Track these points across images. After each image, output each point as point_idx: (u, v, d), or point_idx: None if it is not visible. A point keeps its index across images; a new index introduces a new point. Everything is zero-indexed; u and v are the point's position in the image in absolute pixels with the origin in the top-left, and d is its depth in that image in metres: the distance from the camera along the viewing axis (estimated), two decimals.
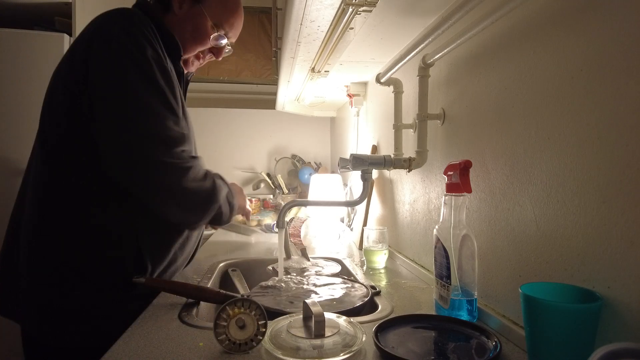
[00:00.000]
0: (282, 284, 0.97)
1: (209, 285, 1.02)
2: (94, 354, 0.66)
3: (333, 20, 1.06)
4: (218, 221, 1.02)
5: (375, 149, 1.59)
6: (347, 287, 0.96)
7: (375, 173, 1.58)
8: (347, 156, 1.10)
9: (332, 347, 0.64)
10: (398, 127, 1.21)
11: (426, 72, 1.02)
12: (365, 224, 1.53)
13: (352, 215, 1.76)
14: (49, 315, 0.86)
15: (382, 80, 1.23)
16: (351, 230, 1.72)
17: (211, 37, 1.03)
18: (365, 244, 1.26)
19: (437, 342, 0.70)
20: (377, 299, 0.92)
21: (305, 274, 1.11)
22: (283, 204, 1.36)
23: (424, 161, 1.07)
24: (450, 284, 0.75)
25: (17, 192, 0.96)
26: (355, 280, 1.04)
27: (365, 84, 1.75)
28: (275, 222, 1.43)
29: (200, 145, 1.17)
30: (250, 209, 1.22)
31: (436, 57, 0.93)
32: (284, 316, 0.75)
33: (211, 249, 1.51)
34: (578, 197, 0.58)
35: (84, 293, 0.86)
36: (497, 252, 0.77)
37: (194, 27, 1.00)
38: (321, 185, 1.92)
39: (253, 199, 2.29)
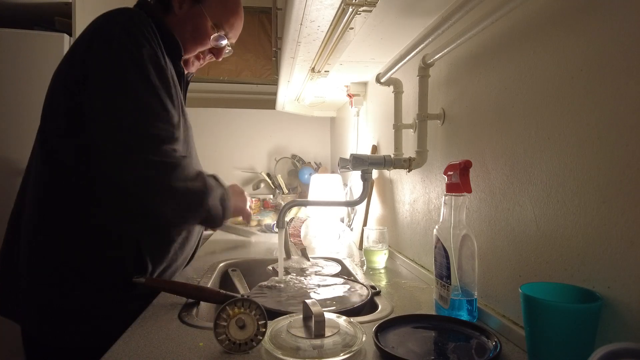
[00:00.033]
0: (282, 284, 0.97)
1: (209, 285, 1.02)
2: (94, 354, 0.66)
3: (333, 20, 1.06)
4: (211, 223, 1.00)
5: (375, 149, 1.59)
6: (347, 287, 0.96)
7: (375, 173, 1.58)
8: (347, 156, 1.09)
9: (332, 347, 0.64)
10: (398, 127, 1.21)
11: (426, 72, 1.02)
12: (365, 224, 1.53)
13: (352, 215, 1.76)
14: (49, 315, 0.86)
15: (382, 80, 1.23)
16: (351, 230, 1.72)
17: (211, 37, 1.03)
18: (365, 244, 1.26)
19: (437, 342, 0.70)
20: (377, 299, 0.92)
21: (305, 274, 1.11)
22: (283, 204, 1.36)
23: (424, 161, 1.07)
24: (450, 284, 0.75)
25: (17, 192, 0.96)
26: (355, 280, 1.04)
27: (365, 84, 1.75)
28: (275, 222, 1.43)
29: (200, 145, 1.17)
30: (250, 211, 1.19)
31: (436, 57, 0.93)
32: (284, 316, 0.75)
33: (211, 249, 1.51)
34: (578, 197, 0.58)
35: (84, 293, 0.86)
36: (497, 252, 0.77)
37: (194, 27, 1.01)
38: (321, 185, 1.92)
39: (253, 199, 2.29)
